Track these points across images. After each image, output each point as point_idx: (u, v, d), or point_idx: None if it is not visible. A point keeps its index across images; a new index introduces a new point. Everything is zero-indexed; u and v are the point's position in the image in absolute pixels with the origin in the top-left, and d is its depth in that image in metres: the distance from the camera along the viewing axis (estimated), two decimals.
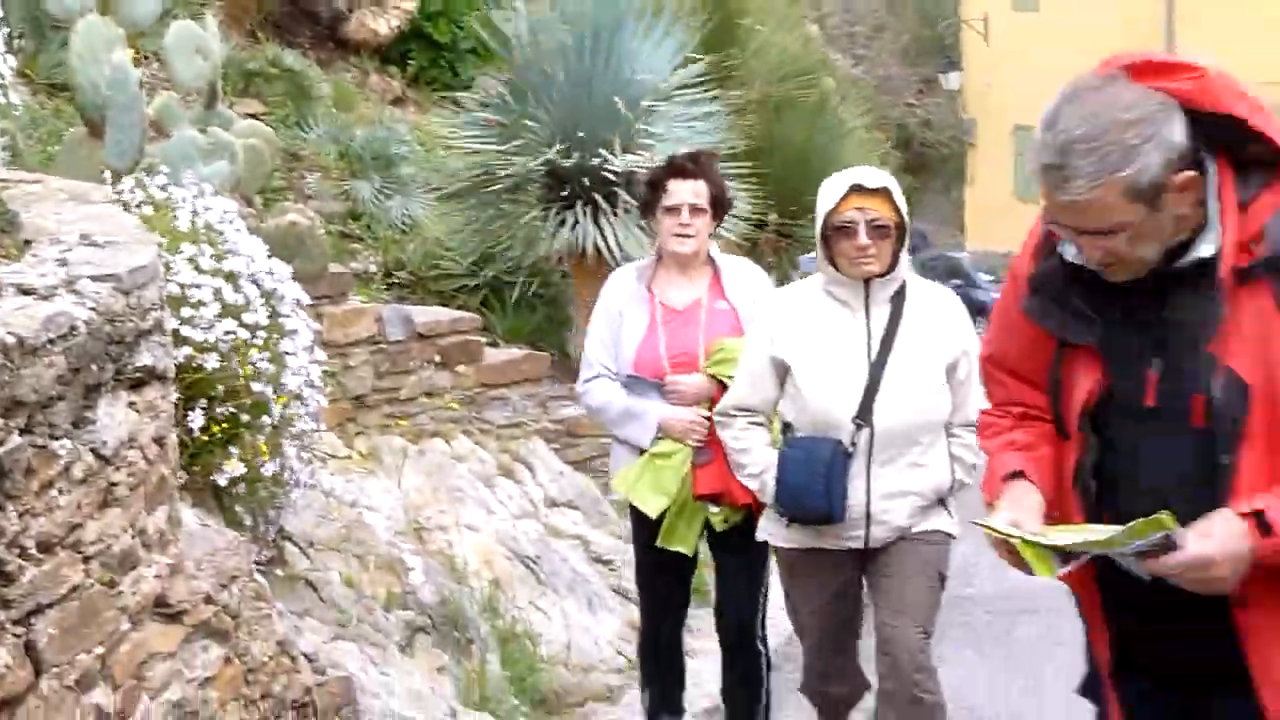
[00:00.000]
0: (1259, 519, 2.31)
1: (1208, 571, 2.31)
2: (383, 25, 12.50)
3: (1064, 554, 2.43)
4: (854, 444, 4.17)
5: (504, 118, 9.31)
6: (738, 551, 4.77)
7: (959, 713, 4.62)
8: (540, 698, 5.78)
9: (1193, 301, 2.40)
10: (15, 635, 2.52)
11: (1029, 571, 2.47)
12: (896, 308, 4.27)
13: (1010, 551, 2.48)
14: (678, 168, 4.82)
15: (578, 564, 6.95)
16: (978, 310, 7.24)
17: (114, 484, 2.86)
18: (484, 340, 8.25)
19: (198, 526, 3.71)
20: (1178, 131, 2.32)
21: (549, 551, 6.86)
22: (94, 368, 2.75)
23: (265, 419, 4.31)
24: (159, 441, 3.14)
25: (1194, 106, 2.34)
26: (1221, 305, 2.37)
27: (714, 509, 4.69)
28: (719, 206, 4.84)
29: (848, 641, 4.54)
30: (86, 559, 2.75)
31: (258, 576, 3.84)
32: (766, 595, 4.88)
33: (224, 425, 4.17)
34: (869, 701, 4.65)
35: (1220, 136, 2.37)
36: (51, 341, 2.57)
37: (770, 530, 4.44)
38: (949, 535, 4.31)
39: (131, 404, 2.97)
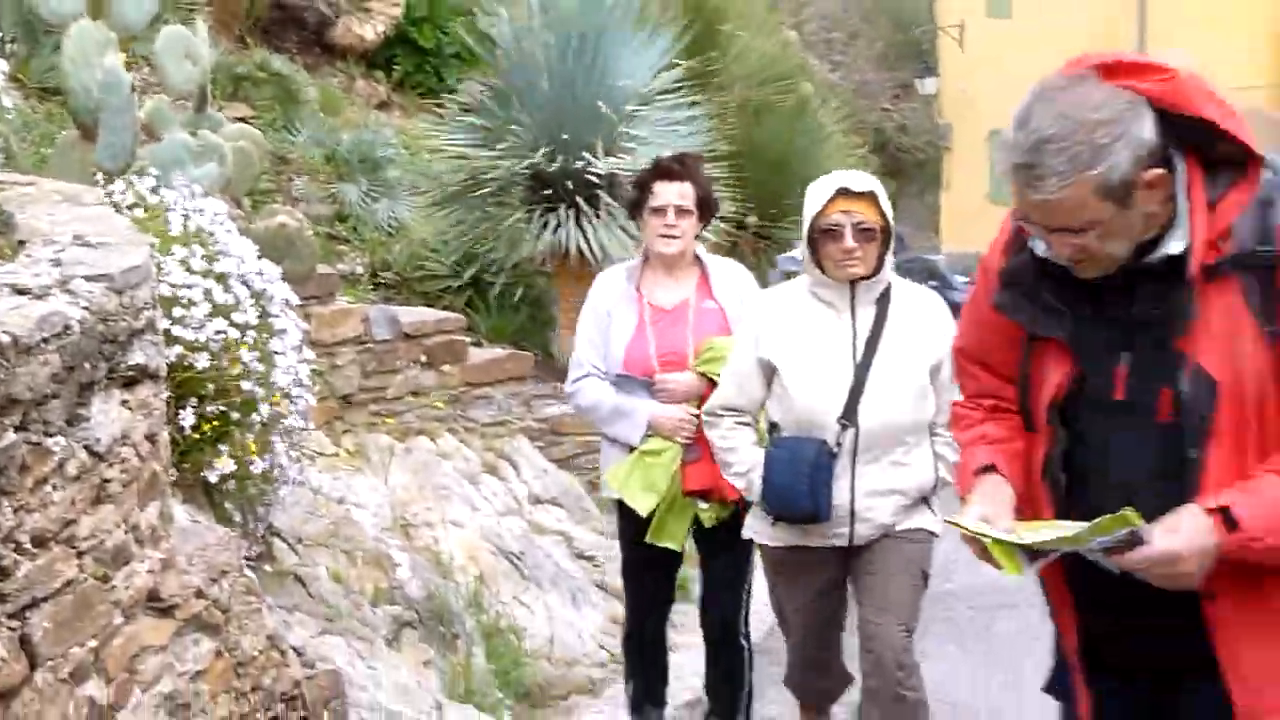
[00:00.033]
0: (1225, 515, 2.33)
1: (1175, 567, 2.33)
2: (369, 31, 12.52)
3: (1032, 552, 2.45)
4: (839, 444, 4.19)
5: (488, 122, 9.35)
6: (724, 549, 4.80)
7: (941, 708, 4.65)
8: (524, 691, 5.81)
9: (1162, 297, 2.42)
10: (10, 629, 2.54)
11: (1000, 568, 2.49)
12: (881, 310, 4.29)
13: (982, 549, 2.49)
14: (664, 170, 4.84)
15: (561, 560, 6.98)
16: (954, 311, 7.27)
17: (107, 480, 2.88)
18: (469, 340, 8.27)
19: (189, 522, 3.73)
20: (1147, 129, 2.33)
21: (533, 547, 6.89)
22: (88, 366, 2.77)
23: (255, 417, 4.33)
24: (151, 439, 3.17)
25: (1164, 107, 2.35)
26: (1190, 302, 2.39)
27: (704, 505, 4.73)
28: (705, 208, 4.86)
29: (832, 637, 4.57)
30: (80, 554, 2.77)
31: (248, 572, 3.86)
32: (750, 592, 4.91)
33: (214, 423, 4.20)
34: (851, 695, 4.69)
35: (1189, 136, 2.39)
36: (46, 340, 2.59)
37: (756, 528, 4.47)
38: (932, 533, 4.33)
39: (124, 402, 3.00)
